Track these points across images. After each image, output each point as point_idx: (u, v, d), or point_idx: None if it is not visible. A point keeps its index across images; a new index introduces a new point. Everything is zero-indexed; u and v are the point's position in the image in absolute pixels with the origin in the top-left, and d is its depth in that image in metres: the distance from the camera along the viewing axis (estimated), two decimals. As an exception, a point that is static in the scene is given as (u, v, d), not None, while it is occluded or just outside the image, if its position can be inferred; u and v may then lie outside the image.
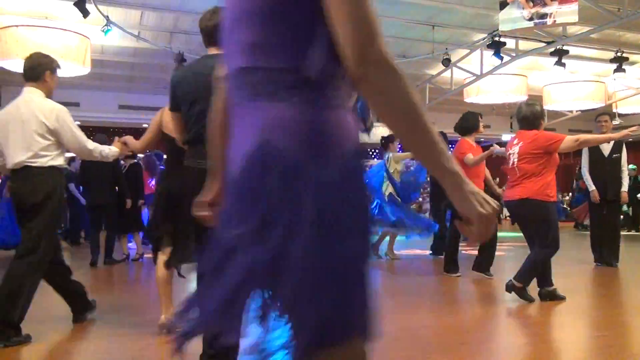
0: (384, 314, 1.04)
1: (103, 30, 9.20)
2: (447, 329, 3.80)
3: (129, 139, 4.01)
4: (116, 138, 4.07)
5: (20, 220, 3.55)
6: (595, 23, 9.12)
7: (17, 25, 8.15)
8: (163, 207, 3.34)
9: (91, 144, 3.72)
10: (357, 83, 0.96)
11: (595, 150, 6.69)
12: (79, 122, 14.10)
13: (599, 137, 5.51)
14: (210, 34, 2.74)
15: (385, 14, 10.14)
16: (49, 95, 3.66)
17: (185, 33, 11.04)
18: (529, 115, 4.74)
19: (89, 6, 8.27)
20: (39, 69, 3.62)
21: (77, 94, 14.67)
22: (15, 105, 3.56)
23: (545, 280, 4.63)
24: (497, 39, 10.12)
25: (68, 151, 3.71)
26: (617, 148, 6.68)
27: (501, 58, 10.30)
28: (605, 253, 6.64)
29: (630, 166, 11.62)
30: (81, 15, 8.10)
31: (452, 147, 7.06)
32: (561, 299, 4.59)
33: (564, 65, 10.71)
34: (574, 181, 14.99)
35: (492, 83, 11.75)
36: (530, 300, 4.50)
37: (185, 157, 2.73)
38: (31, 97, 3.55)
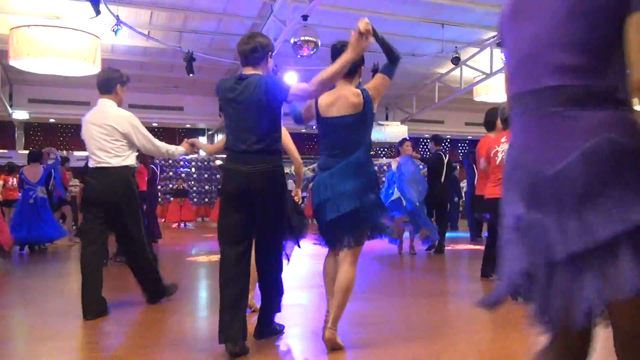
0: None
1: (113, 30, 9.25)
2: (448, 325, 3.80)
3: (197, 140, 4.36)
4: (185, 139, 4.39)
5: (98, 216, 3.99)
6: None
7: (28, 25, 8.23)
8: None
9: (159, 143, 4.21)
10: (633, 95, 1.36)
11: None
12: (89, 121, 13.99)
13: None
14: (247, 55, 3.09)
15: (394, 12, 10.14)
16: (119, 104, 4.18)
17: (195, 32, 11.10)
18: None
19: (99, 6, 8.31)
20: (111, 83, 4.15)
21: (87, 93, 14.73)
22: (93, 114, 4.07)
23: (492, 267, 4.87)
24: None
25: (139, 151, 4.20)
26: None
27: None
28: None
29: None
30: (91, 15, 8.14)
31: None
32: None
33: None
34: None
35: (502, 81, 11.65)
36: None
37: (226, 160, 3.15)
38: (105, 107, 4.08)
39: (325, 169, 3.12)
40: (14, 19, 9.44)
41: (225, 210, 3.10)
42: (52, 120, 17.20)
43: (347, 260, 3.06)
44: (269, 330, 3.34)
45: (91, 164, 4.05)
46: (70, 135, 17.79)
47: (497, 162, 4.77)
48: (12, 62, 8.40)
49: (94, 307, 3.83)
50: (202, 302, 4.87)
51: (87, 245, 3.99)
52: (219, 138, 17.36)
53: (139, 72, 13.77)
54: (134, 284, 4.40)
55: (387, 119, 17.45)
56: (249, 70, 3.09)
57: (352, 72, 3.17)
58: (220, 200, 3.26)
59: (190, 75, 11.05)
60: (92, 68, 8.73)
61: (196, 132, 18.49)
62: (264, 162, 2.99)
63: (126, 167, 4.03)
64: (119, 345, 3.41)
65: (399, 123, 16.43)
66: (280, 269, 3.29)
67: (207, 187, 17.77)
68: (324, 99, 3.17)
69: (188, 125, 17.72)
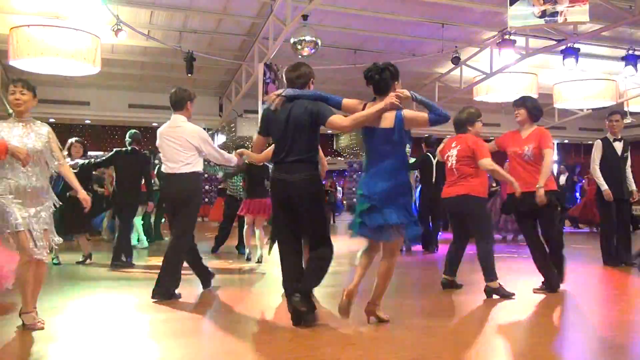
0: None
1: (113, 30, 9.25)
2: (451, 328, 3.80)
3: (245, 150, 4.99)
4: (234, 150, 5.04)
5: (171, 213, 4.83)
6: (607, 20, 9.05)
7: (28, 25, 8.21)
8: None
9: (221, 151, 4.97)
10: None
11: (609, 149, 6.59)
12: (89, 121, 14.26)
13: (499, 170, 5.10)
14: (293, 81, 3.87)
15: (394, 11, 10.14)
16: (189, 118, 4.88)
17: (195, 32, 11.10)
18: (462, 119, 4.96)
19: (100, 6, 8.32)
20: (182, 101, 4.86)
21: (87, 93, 14.80)
22: (168, 127, 4.78)
23: (452, 269, 5.05)
24: (507, 37, 10.06)
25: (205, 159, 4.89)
26: (625, 147, 6.61)
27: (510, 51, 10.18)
28: (621, 252, 6.55)
29: None
30: (91, 14, 8.13)
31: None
32: (458, 287, 5.04)
33: (576, 60, 10.53)
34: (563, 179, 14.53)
35: (502, 81, 11.69)
36: (510, 295, 4.62)
37: (273, 171, 3.88)
38: (178, 122, 4.78)
39: (365, 171, 3.70)
40: (13, 19, 9.43)
41: (275, 213, 3.98)
42: (52, 120, 17.15)
43: (387, 252, 3.64)
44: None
45: (164, 169, 4.81)
46: (70, 135, 17.76)
47: (449, 165, 4.93)
48: (12, 62, 8.39)
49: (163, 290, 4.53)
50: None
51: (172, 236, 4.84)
52: (219, 138, 17.35)
53: (139, 71, 13.77)
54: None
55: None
56: None
57: (386, 89, 3.67)
58: (272, 204, 4.00)
59: (189, 74, 11.05)
60: (92, 68, 8.72)
61: (196, 132, 18.50)
62: (303, 172, 3.66)
63: (194, 172, 4.69)
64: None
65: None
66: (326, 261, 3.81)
67: (207, 187, 17.78)
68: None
69: (188, 125, 17.73)
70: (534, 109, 4.93)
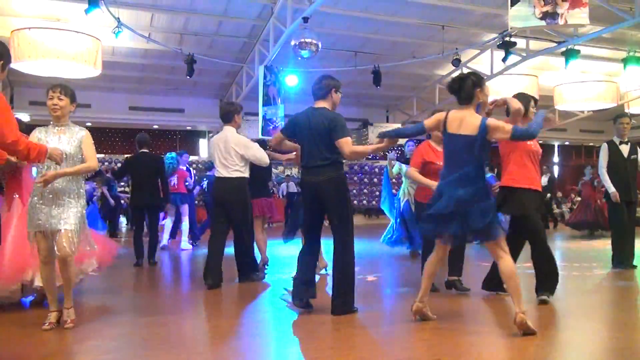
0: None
1: (114, 32, 9.26)
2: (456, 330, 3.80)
3: (273, 153, 5.47)
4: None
5: (222, 214, 5.32)
6: (607, 23, 9.06)
7: (29, 28, 8.23)
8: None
9: (264, 153, 5.37)
10: None
11: (615, 151, 6.58)
12: (90, 123, 14.30)
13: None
14: (316, 92, 4.14)
15: (395, 14, 10.15)
16: (237, 128, 5.42)
17: (195, 34, 11.11)
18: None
19: (101, 8, 8.33)
20: (229, 115, 5.36)
21: (88, 96, 14.77)
22: (218, 137, 5.36)
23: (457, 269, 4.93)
24: (507, 39, 10.08)
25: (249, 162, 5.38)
26: (633, 149, 6.61)
27: (509, 54, 10.13)
28: (629, 254, 6.53)
29: None
30: (92, 17, 8.13)
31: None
32: (466, 290, 4.82)
33: (577, 56, 10.50)
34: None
35: (502, 83, 11.69)
36: (467, 289, 4.79)
37: (301, 174, 4.27)
38: (228, 133, 5.31)
39: (444, 178, 3.70)
40: (15, 21, 9.45)
41: (305, 214, 4.24)
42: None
43: (498, 250, 3.58)
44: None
45: (216, 174, 5.39)
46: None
47: None
48: (13, 65, 8.37)
49: (215, 277, 5.14)
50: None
51: (214, 233, 5.37)
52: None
53: (140, 74, 13.78)
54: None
55: (387, 121, 17.45)
56: (319, 104, 4.13)
57: (468, 98, 3.66)
58: (304, 205, 4.27)
59: (189, 77, 11.06)
60: (93, 70, 8.73)
61: (197, 134, 18.48)
62: (327, 173, 3.96)
63: (241, 177, 5.26)
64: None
65: (400, 125, 16.42)
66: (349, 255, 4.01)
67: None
68: (453, 116, 3.66)
69: (189, 128, 17.72)
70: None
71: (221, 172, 5.30)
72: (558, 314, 4.22)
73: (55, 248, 3.50)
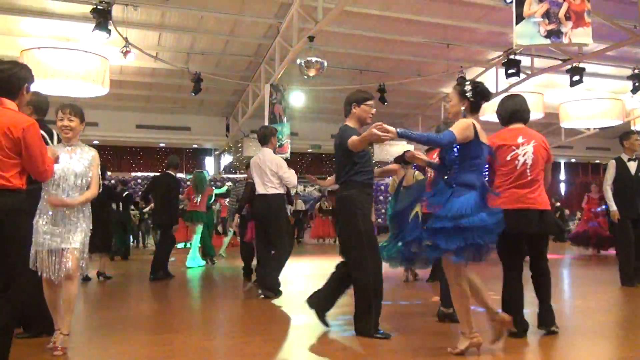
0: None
1: (122, 52, 9.38)
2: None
3: (311, 176, 5.79)
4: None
5: (261, 229, 5.82)
6: (612, 40, 9.09)
7: (38, 48, 8.34)
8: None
9: (294, 176, 5.88)
10: None
11: (622, 168, 6.57)
12: (97, 142, 14.43)
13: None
14: (344, 108, 4.03)
15: (400, 33, 10.23)
16: (274, 150, 5.99)
17: (202, 54, 11.23)
18: None
19: (108, 28, 8.44)
20: (266, 137, 5.90)
21: (96, 114, 14.91)
22: (257, 158, 5.91)
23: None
24: (512, 57, 10.11)
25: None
26: None
27: (518, 74, 10.15)
28: (636, 272, 6.47)
29: None
30: (101, 37, 8.25)
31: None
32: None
33: (580, 81, 10.60)
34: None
35: (507, 101, 11.68)
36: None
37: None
38: (266, 154, 5.83)
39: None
40: (24, 42, 9.59)
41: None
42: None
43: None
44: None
45: (257, 191, 5.82)
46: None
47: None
48: (22, 84, 8.50)
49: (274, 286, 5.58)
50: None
51: (258, 247, 6.04)
52: (225, 158, 17.43)
53: (147, 92, 13.91)
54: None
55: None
56: (345, 122, 4.00)
57: (477, 108, 3.51)
58: None
59: (195, 94, 11.14)
60: (101, 89, 8.82)
61: (203, 152, 18.58)
62: (341, 192, 3.95)
63: (278, 194, 5.73)
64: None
65: (405, 142, 16.44)
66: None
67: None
68: (479, 126, 3.41)
69: (195, 146, 17.82)
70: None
71: (259, 189, 5.80)
72: (572, 333, 4.17)
73: (60, 267, 3.47)
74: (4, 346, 2.84)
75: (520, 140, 3.86)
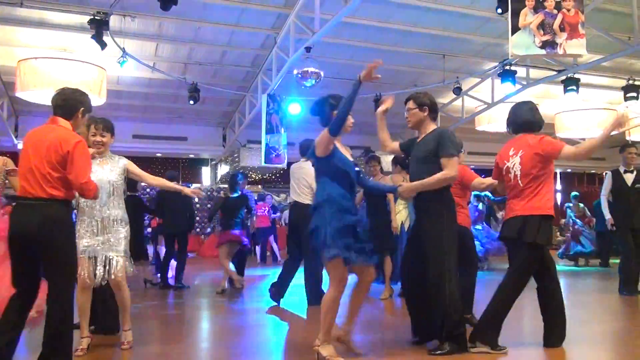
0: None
1: (119, 62, 9.39)
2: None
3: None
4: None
5: (294, 237, 6.17)
6: (606, 51, 9.16)
7: (35, 58, 8.34)
8: None
9: None
10: None
11: (618, 180, 6.65)
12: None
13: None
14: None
15: (396, 43, 10.28)
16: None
17: (199, 64, 11.25)
18: None
19: (106, 38, 8.46)
20: (308, 149, 6.03)
21: (93, 124, 14.87)
22: (295, 166, 6.34)
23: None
24: (507, 67, 10.18)
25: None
26: (638, 178, 6.65)
27: (514, 82, 10.27)
28: (635, 280, 6.53)
29: None
30: (98, 47, 8.29)
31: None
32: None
33: (575, 90, 10.65)
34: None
35: (503, 111, 11.72)
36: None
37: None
38: (302, 164, 6.21)
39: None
40: (21, 52, 9.59)
41: None
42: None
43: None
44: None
45: (291, 197, 6.28)
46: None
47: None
48: (19, 94, 8.48)
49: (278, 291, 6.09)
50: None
51: (289, 256, 6.30)
52: (222, 168, 17.40)
53: (144, 102, 13.90)
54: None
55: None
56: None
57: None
58: None
59: (193, 103, 11.15)
60: (98, 99, 8.80)
61: (199, 162, 18.54)
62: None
63: (310, 205, 5.81)
64: None
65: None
66: None
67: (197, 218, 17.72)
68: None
69: (192, 156, 17.78)
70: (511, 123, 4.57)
71: (293, 196, 6.24)
72: (568, 342, 4.16)
73: (104, 274, 3.73)
74: (64, 347, 3.04)
75: (511, 152, 4.01)
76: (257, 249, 13.38)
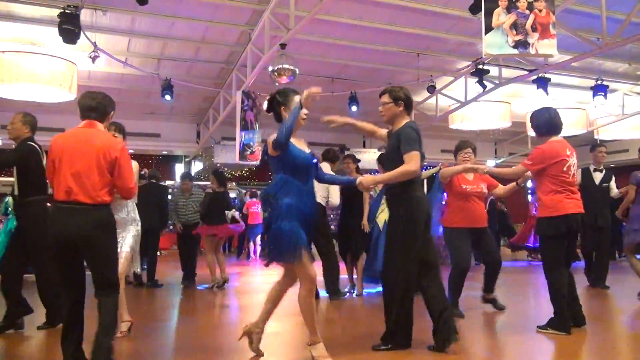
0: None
1: (90, 56, 9.21)
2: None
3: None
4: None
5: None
6: (576, 52, 9.35)
7: (3, 51, 8.14)
8: None
9: (335, 195, 6.54)
10: None
11: (587, 178, 6.83)
12: (64, 148, 13.90)
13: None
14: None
15: (371, 42, 10.32)
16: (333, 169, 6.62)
17: (173, 60, 11.11)
18: None
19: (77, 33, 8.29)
20: (337, 155, 6.64)
21: (63, 120, 14.52)
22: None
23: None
24: (480, 66, 10.31)
25: None
26: (607, 177, 6.87)
27: (484, 87, 10.46)
28: (601, 277, 6.78)
29: None
30: (67, 43, 8.10)
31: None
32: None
33: (546, 92, 10.90)
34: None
35: (476, 110, 11.91)
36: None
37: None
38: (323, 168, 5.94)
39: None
40: (-12, 45, 9.34)
41: None
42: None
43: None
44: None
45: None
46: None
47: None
48: (-14, 88, 8.27)
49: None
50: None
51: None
52: (196, 165, 17.25)
53: (116, 98, 13.26)
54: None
55: (364, 146, 17.57)
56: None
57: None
58: None
59: (169, 99, 11.03)
60: (68, 94, 8.64)
61: (173, 159, 18.33)
62: None
63: (322, 206, 6.25)
64: None
65: (376, 150, 16.56)
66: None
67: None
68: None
69: (165, 152, 17.56)
70: (536, 127, 4.94)
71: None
72: (539, 337, 4.23)
73: None
74: (104, 344, 3.12)
75: (567, 152, 4.52)
76: (251, 245, 13.46)
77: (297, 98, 3.58)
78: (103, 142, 3.26)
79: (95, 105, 3.43)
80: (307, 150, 3.63)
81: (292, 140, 3.48)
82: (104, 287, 3.20)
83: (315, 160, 3.67)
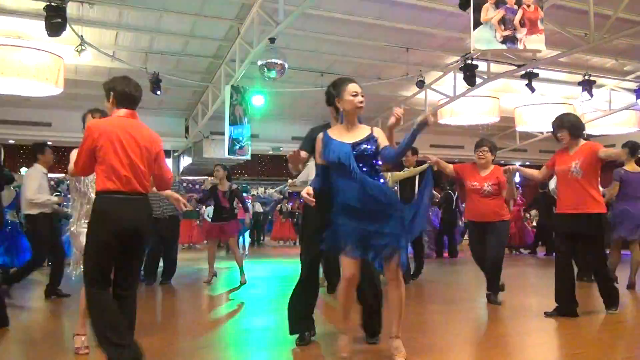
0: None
1: (77, 50, 9.11)
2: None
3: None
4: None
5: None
6: (564, 47, 9.41)
7: (-12, 45, 8.05)
8: None
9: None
10: None
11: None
12: (50, 142, 14.02)
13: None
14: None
15: (361, 37, 10.31)
16: None
17: (161, 53, 11.03)
18: None
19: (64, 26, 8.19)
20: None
21: (49, 114, 14.48)
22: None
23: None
24: (469, 62, 10.34)
25: None
26: None
27: (473, 83, 10.47)
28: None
29: None
30: (52, 34, 8.00)
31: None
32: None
33: (533, 89, 10.98)
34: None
35: (465, 105, 11.96)
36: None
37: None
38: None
39: None
40: (-27, 38, 9.22)
41: None
42: (11, 142, 16.74)
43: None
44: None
45: None
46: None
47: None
48: (-29, 82, 8.18)
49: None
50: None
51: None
52: (184, 160, 17.17)
53: (103, 92, 13.53)
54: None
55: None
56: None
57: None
58: None
59: (159, 94, 10.97)
60: (55, 88, 8.57)
61: (161, 153, 18.25)
62: None
63: None
64: None
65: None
66: None
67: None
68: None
69: (153, 147, 17.49)
70: (573, 127, 4.76)
71: None
72: (524, 331, 4.26)
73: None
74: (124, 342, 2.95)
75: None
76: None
77: (352, 87, 3.55)
78: (149, 135, 3.34)
79: (138, 96, 3.49)
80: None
81: (330, 135, 3.60)
82: (132, 283, 3.18)
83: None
